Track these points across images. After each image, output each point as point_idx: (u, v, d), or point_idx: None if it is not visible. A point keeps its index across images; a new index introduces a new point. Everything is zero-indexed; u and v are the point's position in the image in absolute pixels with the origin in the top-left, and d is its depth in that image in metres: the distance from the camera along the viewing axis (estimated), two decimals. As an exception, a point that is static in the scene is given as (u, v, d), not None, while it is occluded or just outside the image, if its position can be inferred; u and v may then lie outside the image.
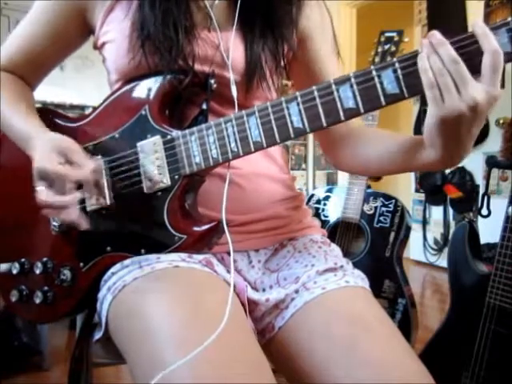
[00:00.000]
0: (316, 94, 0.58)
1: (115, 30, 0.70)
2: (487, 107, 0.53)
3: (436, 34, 0.53)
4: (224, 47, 0.70)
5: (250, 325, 0.64)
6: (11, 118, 0.71)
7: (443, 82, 0.52)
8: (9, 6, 3.79)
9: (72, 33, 0.76)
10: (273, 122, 0.60)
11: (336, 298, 0.65)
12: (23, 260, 0.76)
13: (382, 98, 0.55)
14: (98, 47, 0.76)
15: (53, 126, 0.72)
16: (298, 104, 0.58)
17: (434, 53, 0.52)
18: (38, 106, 0.77)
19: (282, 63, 0.75)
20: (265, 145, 0.61)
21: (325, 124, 0.58)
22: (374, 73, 0.55)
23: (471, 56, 0.52)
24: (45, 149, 0.63)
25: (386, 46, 1.57)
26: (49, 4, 0.74)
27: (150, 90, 0.67)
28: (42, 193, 0.61)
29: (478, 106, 0.52)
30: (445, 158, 0.59)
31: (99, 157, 0.68)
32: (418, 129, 3.33)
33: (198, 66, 0.69)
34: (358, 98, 0.56)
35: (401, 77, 0.54)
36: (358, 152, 0.76)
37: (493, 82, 0.51)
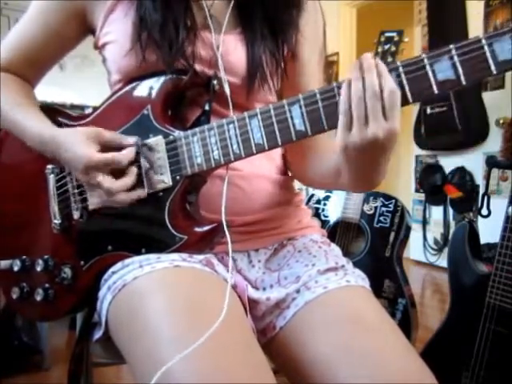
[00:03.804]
0: (318, 96, 0.58)
1: (116, 31, 0.71)
2: (387, 142, 0.55)
3: (368, 58, 0.55)
4: (223, 49, 0.70)
5: (251, 325, 0.64)
6: (24, 121, 0.71)
7: (358, 112, 0.54)
8: (9, 5, 3.80)
9: (70, 32, 0.76)
10: (275, 124, 0.60)
11: (337, 298, 0.65)
12: (24, 257, 0.76)
13: None
14: (98, 47, 0.76)
15: (55, 125, 0.72)
16: (300, 107, 0.58)
17: (359, 79, 0.54)
18: (39, 105, 0.77)
19: (282, 65, 0.75)
20: (267, 147, 0.61)
21: (326, 127, 0.58)
22: None
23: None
24: (77, 143, 0.64)
25: (386, 46, 1.57)
26: (46, 4, 0.75)
27: (152, 89, 0.67)
28: (105, 181, 0.62)
29: (378, 141, 0.54)
30: (355, 182, 0.64)
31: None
32: (417, 129, 3.33)
33: (199, 67, 0.69)
34: None
35: (404, 81, 0.54)
36: (315, 166, 0.78)
37: (391, 117, 0.54)
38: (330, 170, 0.72)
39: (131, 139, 0.65)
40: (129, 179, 0.64)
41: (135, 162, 0.66)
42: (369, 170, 0.61)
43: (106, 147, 0.64)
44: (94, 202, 0.68)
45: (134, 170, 0.64)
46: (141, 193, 0.65)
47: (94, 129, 0.66)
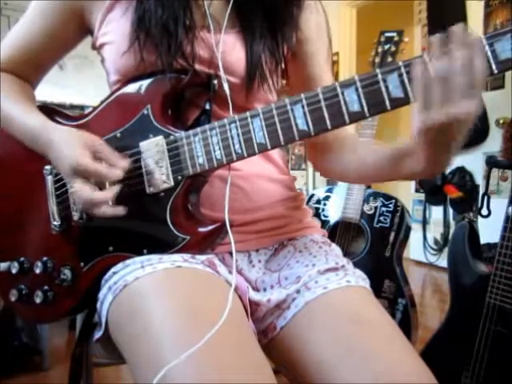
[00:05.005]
0: (321, 96, 0.57)
1: (114, 31, 0.70)
2: (467, 121, 0.53)
3: (460, 31, 0.51)
4: (222, 48, 0.70)
5: (251, 326, 0.64)
6: (19, 116, 0.71)
7: (437, 92, 0.52)
8: (9, 6, 3.79)
9: (69, 32, 0.76)
10: (277, 124, 0.59)
11: (337, 298, 0.65)
12: (22, 259, 0.75)
13: (388, 102, 0.55)
14: (96, 48, 0.75)
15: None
16: (302, 106, 0.58)
17: (443, 55, 0.52)
18: (37, 104, 0.77)
19: (282, 64, 0.75)
20: (269, 147, 0.60)
21: (329, 127, 0.58)
22: (379, 76, 0.55)
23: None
24: (71, 144, 0.64)
25: (386, 46, 1.57)
26: (46, 4, 0.74)
27: (151, 89, 0.67)
28: (83, 190, 0.62)
29: (459, 120, 0.52)
30: (427, 167, 0.61)
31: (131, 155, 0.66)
32: (417, 129, 3.32)
33: (198, 67, 0.69)
34: (363, 102, 0.56)
35: (406, 81, 0.54)
36: (339, 159, 0.78)
37: (474, 95, 0.51)
38: (370, 164, 0.71)
39: (123, 163, 0.64)
40: (106, 194, 0.62)
41: (135, 162, 0.66)
42: (445, 150, 0.58)
43: (97, 158, 0.63)
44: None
45: (114, 190, 0.63)
46: (120, 210, 0.64)
47: (91, 137, 0.65)
